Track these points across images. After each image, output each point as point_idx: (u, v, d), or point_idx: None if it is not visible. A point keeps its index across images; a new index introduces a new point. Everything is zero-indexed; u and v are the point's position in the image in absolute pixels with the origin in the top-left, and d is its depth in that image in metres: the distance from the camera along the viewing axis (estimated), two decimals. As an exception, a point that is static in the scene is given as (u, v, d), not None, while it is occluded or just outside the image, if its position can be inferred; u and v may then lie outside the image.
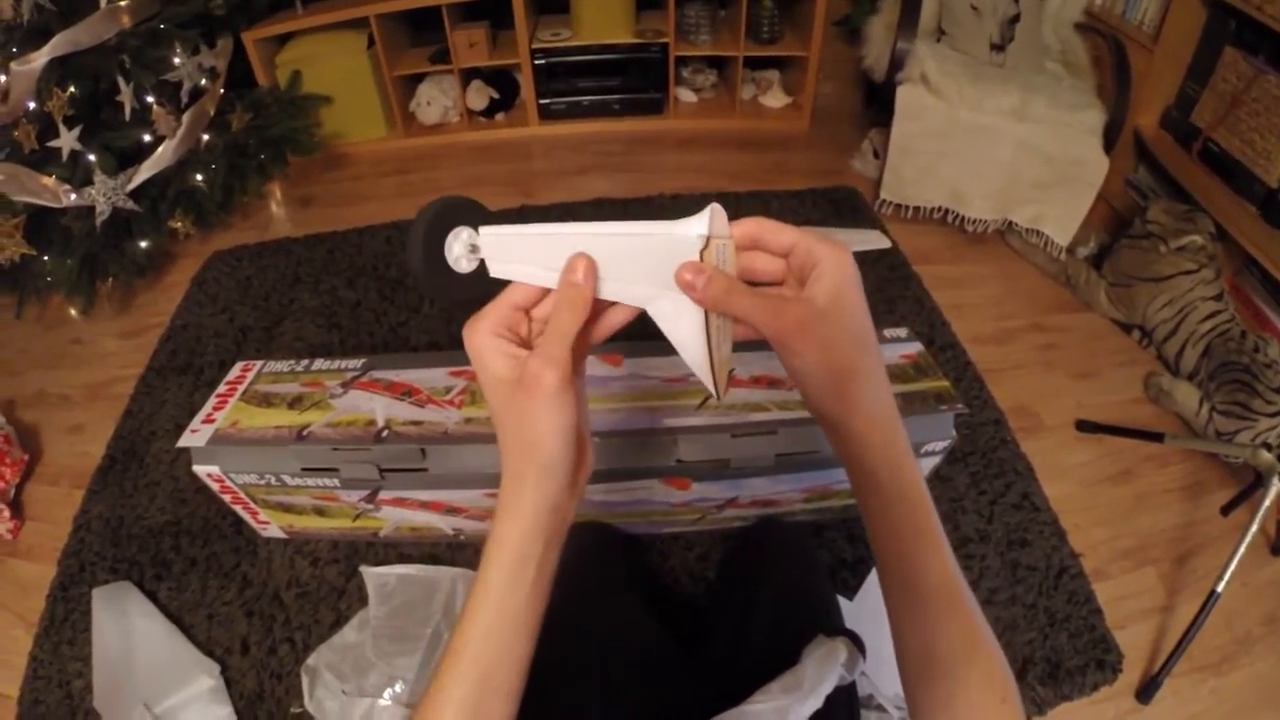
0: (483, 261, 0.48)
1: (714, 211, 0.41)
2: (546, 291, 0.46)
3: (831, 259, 0.42)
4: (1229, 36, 1.86)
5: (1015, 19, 2.04)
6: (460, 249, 0.47)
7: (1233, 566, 1.23)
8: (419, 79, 2.62)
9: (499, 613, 0.44)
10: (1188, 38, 1.97)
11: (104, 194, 1.73)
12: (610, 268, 0.44)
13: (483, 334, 0.44)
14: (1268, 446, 1.37)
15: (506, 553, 0.44)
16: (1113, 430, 1.59)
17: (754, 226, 0.45)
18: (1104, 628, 1.27)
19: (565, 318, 0.43)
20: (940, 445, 1.17)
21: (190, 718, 1.15)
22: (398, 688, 1.15)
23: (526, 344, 0.46)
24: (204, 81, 1.95)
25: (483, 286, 0.48)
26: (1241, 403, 1.51)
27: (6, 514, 1.46)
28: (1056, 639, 1.25)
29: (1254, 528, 1.25)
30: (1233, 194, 1.85)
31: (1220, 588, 1.23)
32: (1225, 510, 1.48)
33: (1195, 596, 1.28)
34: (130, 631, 1.25)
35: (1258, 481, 1.36)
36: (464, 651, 0.44)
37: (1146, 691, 1.23)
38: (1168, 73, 2.03)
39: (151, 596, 1.32)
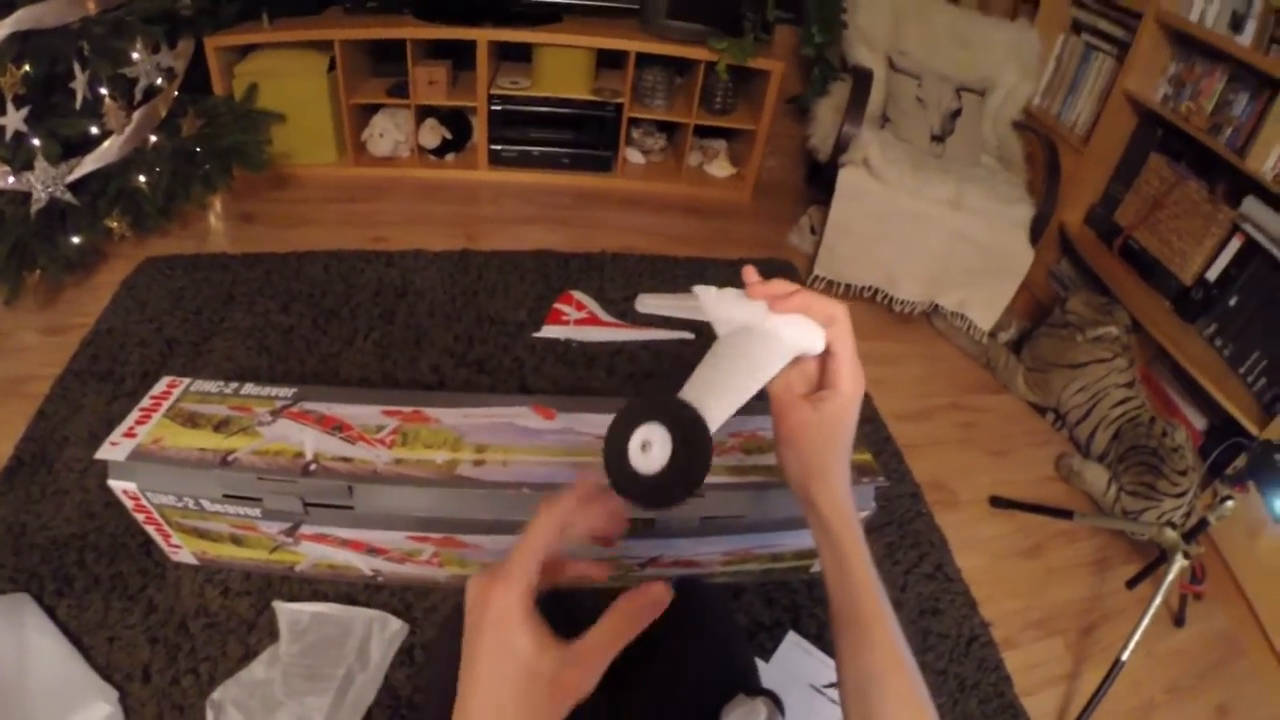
0: (670, 457, 0.40)
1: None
2: (557, 541, 0.43)
3: (848, 387, 0.53)
4: (1155, 143, 2.00)
5: (957, 113, 2.16)
6: (637, 448, 0.41)
7: (1137, 636, 1.30)
8: (374, 109, 2.61)
9: None
10: (1116, 142, 2.12)
11: (43, 181, 1.67)
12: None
13: (513, 603, 0.40)
14: (1172, 525, 1.45)
15: None
16: (1025, 507, 1.66)
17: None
18: (1012, 694, 1.32)
19: (623, 633, 0.41)
20: (860, 515, 1.21)
21: None
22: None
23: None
24: (160, 81, 1.91)
25: (673, 485, 0.41)
26: (1148, 484, 1.60)
27: (-102, 513, 1.37)
28: (966, 704, 1.29)
29: (1157, 600, 1.32)
30: (1149, 289, 1.97)
31: (1125, 656, 1.29)
32: (1130, 584, 1.56)
33: (1101, 665, 1.34)
34: (25, 648, 1.16)
35: (1161, 558, 1.45)
36: None
37: (1053, 757, 1.28)
38: (1095, 173, 2.18)
39: (50, 612, 1.24)
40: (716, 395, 0.45)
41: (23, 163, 1.64)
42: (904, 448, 1.78)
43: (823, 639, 1.34)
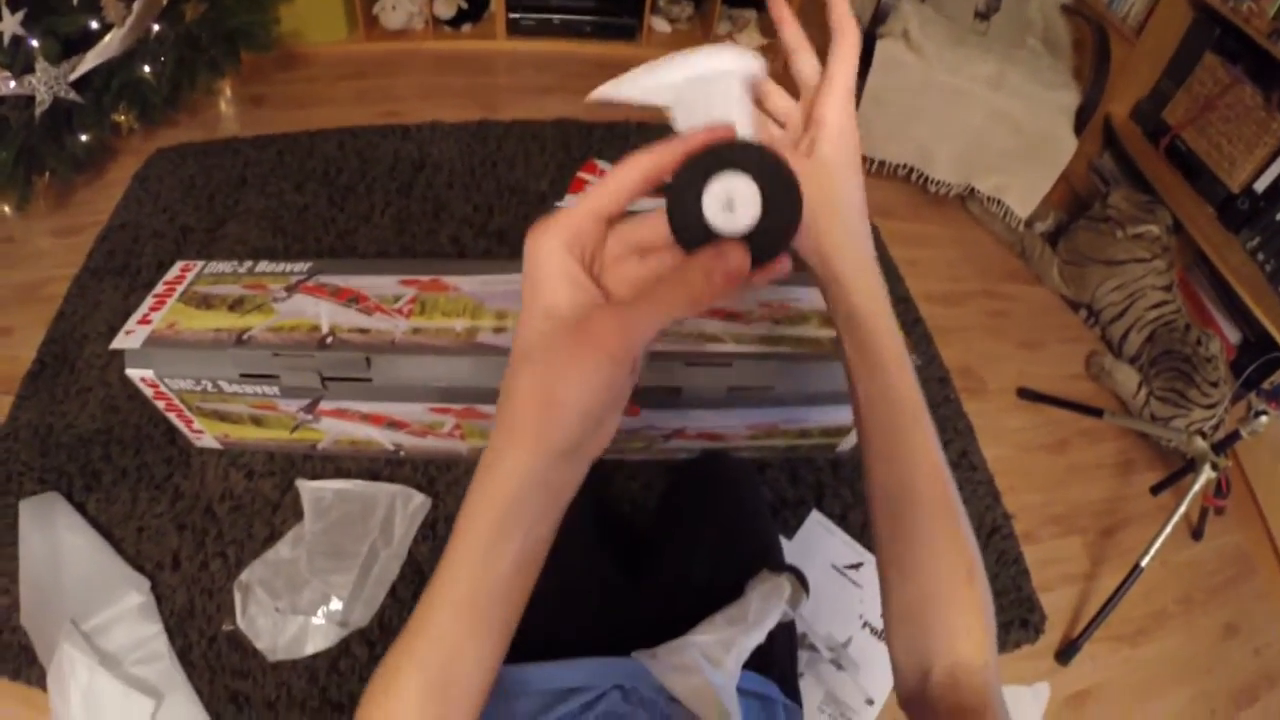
0: (760, 218, 0.35)
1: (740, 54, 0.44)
2: (633, 199, 0.36)
3: (834, 117, 0.45)
4: (1211, 42, 1.87)
5: (1001, -12, 2.03)
6: (716, 204, 0.35)
7: (1157, 545, 1.28)
8: (385, -20, 2.49)
9: (472, 590, 0.36)
10: (1171, 36, 1.98)
11: (45, 82, 1.62)
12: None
13: (553, 247, 0.34)
14: (1202, 434, 1.42)
15: (476, 531, 0.36)
16: (1053, 401, 1.63)
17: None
18: (1030, 588, 1.32)
19: (679, 304, 0.33)
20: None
21: (119, 634, 1.12)
22: (332, 605, 1.14)
23: (592, 270, 0.36)
24: (159, -32, 1.83)
25: (768, 246, 0.35)
26: (1179, 390, 1.56)
27: (-73, 417, 1.39)
28: (983, 595, 1.29)
29: (1180, 510, 1.30)
30: (1193, 193, 1.87)
31: (1144, 563, 1.28)
32: (1155, 490, 1.54)
33: (1118, 569, 1.34)
34: (58, 546, 1.20)
35: (1188, 467, 1.41)
36: (428, 630, 0.37)
37: (1066, 654, 1.28)
38: (1146, 66, 2.04)
39: (80, 508, 1.27)
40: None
41: (23, 66, 1.59)
42: (934, 330, 1.74)
43: (847, 519, 1.34)
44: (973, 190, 2.06)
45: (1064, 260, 1.91)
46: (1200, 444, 1.37)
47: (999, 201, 2.03)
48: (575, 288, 0.34)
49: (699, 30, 2.75)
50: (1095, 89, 1.91)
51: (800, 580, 0.81)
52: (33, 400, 1.43)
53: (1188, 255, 1.88)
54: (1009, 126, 1.91)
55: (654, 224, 0.36)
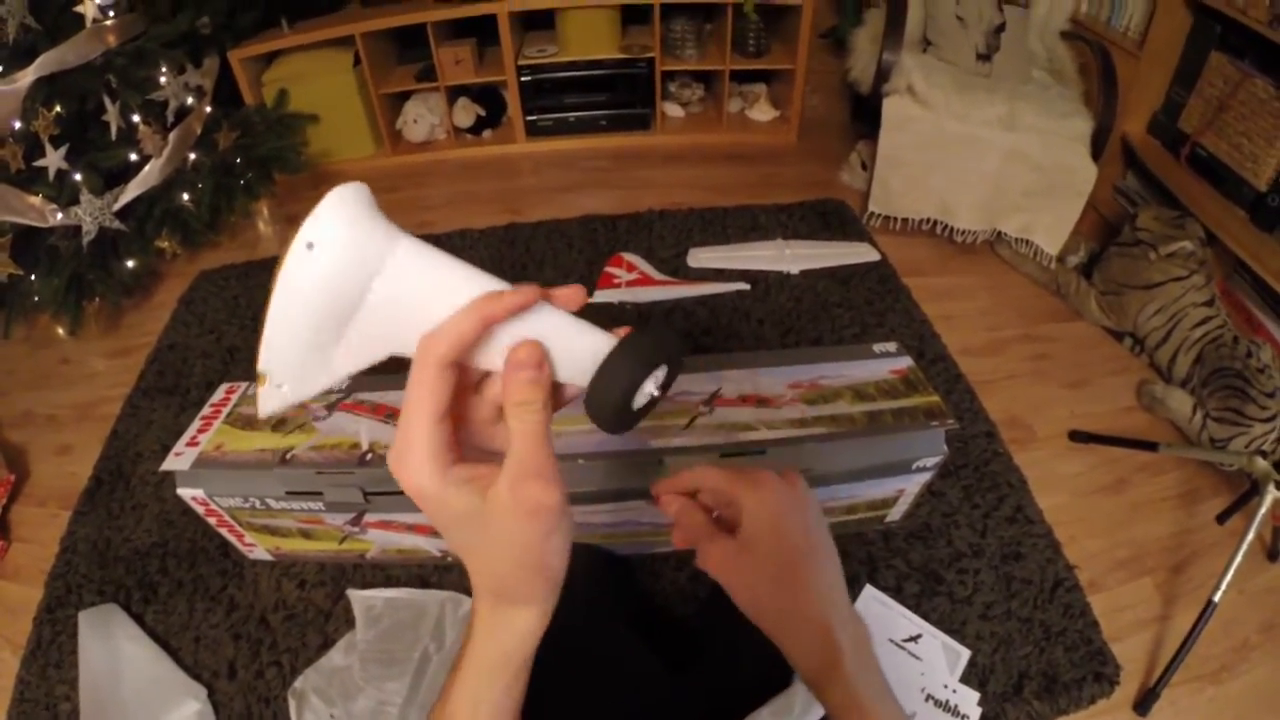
0: (662, 388, 0.41)
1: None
2: (448, 394, 0.36)
3: (752, 499, 0.51)
4: (1214, 41, 1.86)
5: (1000, 28, 2.04)
6: (642, 395, 0.40)
7: (1229, 575, 1.22)
8: (406, 96, 2.62)
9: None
10: (1173, 43, 1.97)
11: (90, 213, 1.73)
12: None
13: (428, 475, 0.36)
14: (1262, 454, 1.36)
15: (495, 681, 0.40)
16: (1106, 440, 1.58)
17: (688, 480, 0.56)
18: (1100, 640, 1.26)
19: (535, 419, 0.36)
20: (932, 461, 1.16)
21: None
22: (387, 712, 1.14)
23: (456, 447, 0.38)
24: (190, 100, 1.95)
25: (638, 418, 0.41)
26: (1235, 409, 1.50)
27: (-8, 536, 1.45)
28: (1053, 652, 1.23)
29: (1250, 535, 1.23)
30: (1221, 198, 1.84)
31: (1217, 597, 1.21)
32: (1221, 518, 1.47)
33: (1192, 605, 1.27)
34: (117, 654, 1.23)
35: (1253, 489, 1.35)
36: None
37: (1144, 703, 1.21)
38: (1154, 79, 2.03)
39: (138, 619, 1.30)
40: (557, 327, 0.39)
41: (69, 198, 1.70)
42: (975, 385, 1.70)
43: (902, 591, 1.30)
44: (1000, 234, 2.05)
45: (1101, 291, 1.87)
46: (1261, 464, 1.31)
47: (1027, 241, 2.02)
48: (467, 487, 0.36)
49: (711, 110, 2.82)
50: (1107, 110, 1.91)
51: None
52: (90, 515, 1.49)
53: (1226, 264, 1.84)
54: (1027, 164, 1.90)
55: (499, 382, 0.38)
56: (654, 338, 0.38)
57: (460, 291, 0.35)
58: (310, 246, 0.32)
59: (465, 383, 0.38)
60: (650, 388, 0.39)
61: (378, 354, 0.36)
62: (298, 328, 0.34)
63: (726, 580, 0.51)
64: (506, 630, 0.40)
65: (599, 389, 0.37)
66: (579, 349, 0.38)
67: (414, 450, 0.36)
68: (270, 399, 0.36)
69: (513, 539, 0.37)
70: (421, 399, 0.36)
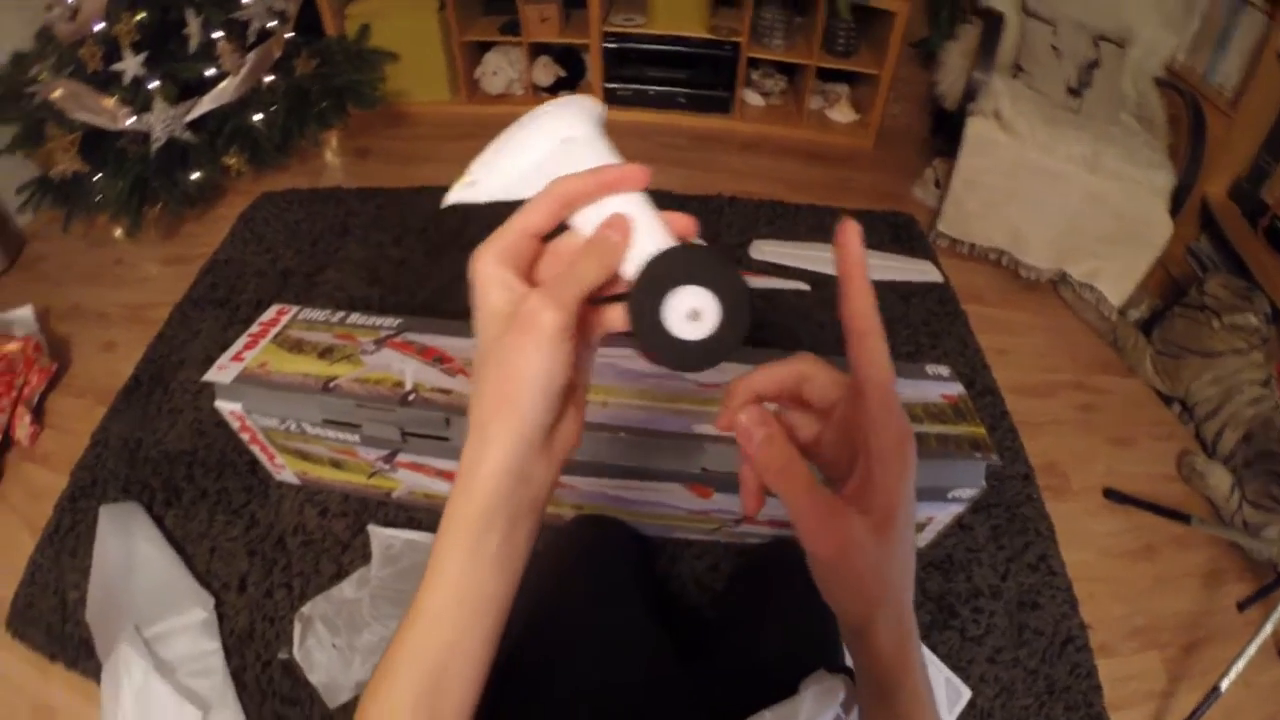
0: (719, 326, 0.38)
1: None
2: (562, 224, 0.40)
3: (894, 457, 0.36)
4: (1312, 112, 1.81)
5: (1094, 64, 1.99)
6: (680, 316, 0.38)
7: (1240, 664, 1.19)
8: (487, 47, 2.62)
9: (461, 587, 0.38)
10: (1268, 108, 1.90)
11: (162, 122, 1.75)
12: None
13: (487, 261, 0.38)
14: None
15: (461, 526, 0.38)
16: (1141, 504, 1.54)
17: (803, 367, 0.41)
18: (1101, 705, 1.24)
19: (590, 267, 0.38)
20: (968, 493, 1.15)
21: (179, 645, 1.16)
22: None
23: (530, 280, 0.40)
24: (272, 23, 1.95)
25: (720, 351, 0.39)
26: (1274, 496, 1.46)
27: (28, 419, 1.48)
28: (1053, 708, 1.22)
29: (1267, 628, 1.21)
30: (1295, 278, 1.79)
31: (1224, 684, 1.19)
32: (1241, 605, 1.42)
33: (1197, 688, 1.24)
34: (132, 552, 1.26)
35: (1277, 581, 1.32)
36: (421, 621, 0.39)
37: (1136, 778, 1.20)
38: (1244, 142, 1.96)
39: (158, 521, 1.33)
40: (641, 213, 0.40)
41: (142, 104, 1.72)
42: (1019, 424, 1.67)
43: (916, 619, 1.29)
44: (1065, 275, 2.01)
45: (1158, 351, 1.83)
46: None
47: (1092, 287, 1.97)
48: (510, 291, 0.38)
49: (791, 103, 2.78)
50: (1191, 168, 1.85)
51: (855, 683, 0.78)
52: (125, 414, 1.52)
53: (1289, 346, 1.78)
54: (1105, 210, 1.86)
55: (575, 240, 0.41)
56: (692, 254, 0.38)
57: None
58: (565, 140, 0.42)
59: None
60: (686, 305, 0.38)
61: (531, 191, 0.42)
62: (514, 156, 0.43)
63: (841, 565, 0.37)
64: (461, 478, 0.38)
65: (631, 290, 0.39)
66: (641, 249, 0.40)
67: (494, 241, 0.39)
68: (458, 191, 0.44)
69: (502, 354, 0.37)
70: (526, 210, 0.39)
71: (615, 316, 0.41)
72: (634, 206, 0.40)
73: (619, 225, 0.39)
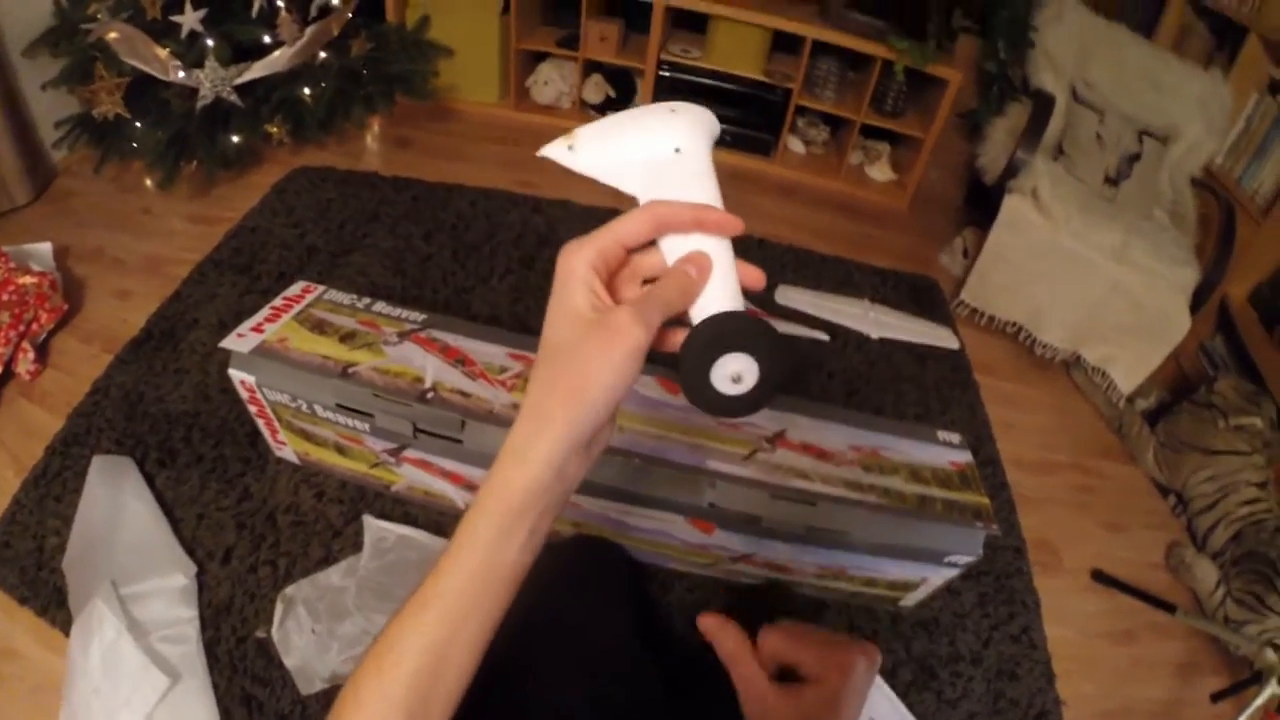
0: (755, 388, 0.43)
1: None
2: (652, 241, 0.44)
3: (840, 667, 0.51)
4: (1340, 226, 1.83)
5: (1135, 158, 2.02)
6: (724, 375, 0.42)
7: None
8: (541, 57, 2.63)
9: (483, 567, 0.41)
10: None
11: (212, 80, 1.75)
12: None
13: (580, 261, 0.41)
14: (1275, 646, 1.34)
15: (504, 503, 0.40)
16: (1127, 589, 1.56)
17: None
18: (1068, 782, 1.25)
19: (673, 297, 0.41)
20: (964, 559, 1.15)
21: (155, 608, 1.13)
22: (370, 643, 1.14)
23: (611, 288, 0.43)
24: (335, 1, 1.97)
25: (749, 408, 0.44)
26: (1258, 595, 1.48)
27: (31, 355, 1.46)
28: (1018, 781, 1.22)
29: None
30: (1303, 388, 1.80)
31: None
32: (1215, 697, 1.43)
33: (1166, 776, 1.25)
34: (119, 507, 1.24)
35: (1255, 678, 1.34)
36: (435, 600, 0.41)
37: None
38: (1270, 248, 2.00)
39: (149, 480, 1.31)
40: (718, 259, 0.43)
41: (194, 60, 1.73)
42: (1018, 497, 1.69)
43: (895, 676, 1.28)
44: (1079, 358, 2.03)
45: (1160, 442, 1.85)
46: (1270, 656, 1.30)
47: (1104, 373, 1.99)
48: (594, 296, 0.41)
49: (833, 155, 2.81)
50: (1217, 268, 1.88)
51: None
52: (131, 365, 1.50)
53: (1291, 454, 1.79)
54: (1127, 301, 1.88)
55: (656, 260, 0.44)
56: (746, 324, 0.41)
57: (705, 197, 0.44)
58: (678, 150, 0.44)
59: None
60: (731, 369, 0.41)
61: (628, 187, 0.45)
62: (624, 143, 0.45)
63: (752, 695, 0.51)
64: (511, 456, 0.40)
65: (687, 341, 0.42)
66: (711, 298, 0.42)
67: (587, 243, 0.41)
68: (556, 148, 0.45)
69: (585, 354, 0.39)
70: (623, 223, 0.42)
71: (673, 341, 0.44)
72: (718, 248, 0.43)
73: (702, 265, 0.42)
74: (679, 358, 0.42)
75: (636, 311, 0.39)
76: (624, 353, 0.39)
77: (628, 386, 0.40)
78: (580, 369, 0.39)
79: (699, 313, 0.42)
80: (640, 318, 0.39)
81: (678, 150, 0.44)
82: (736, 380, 0.42)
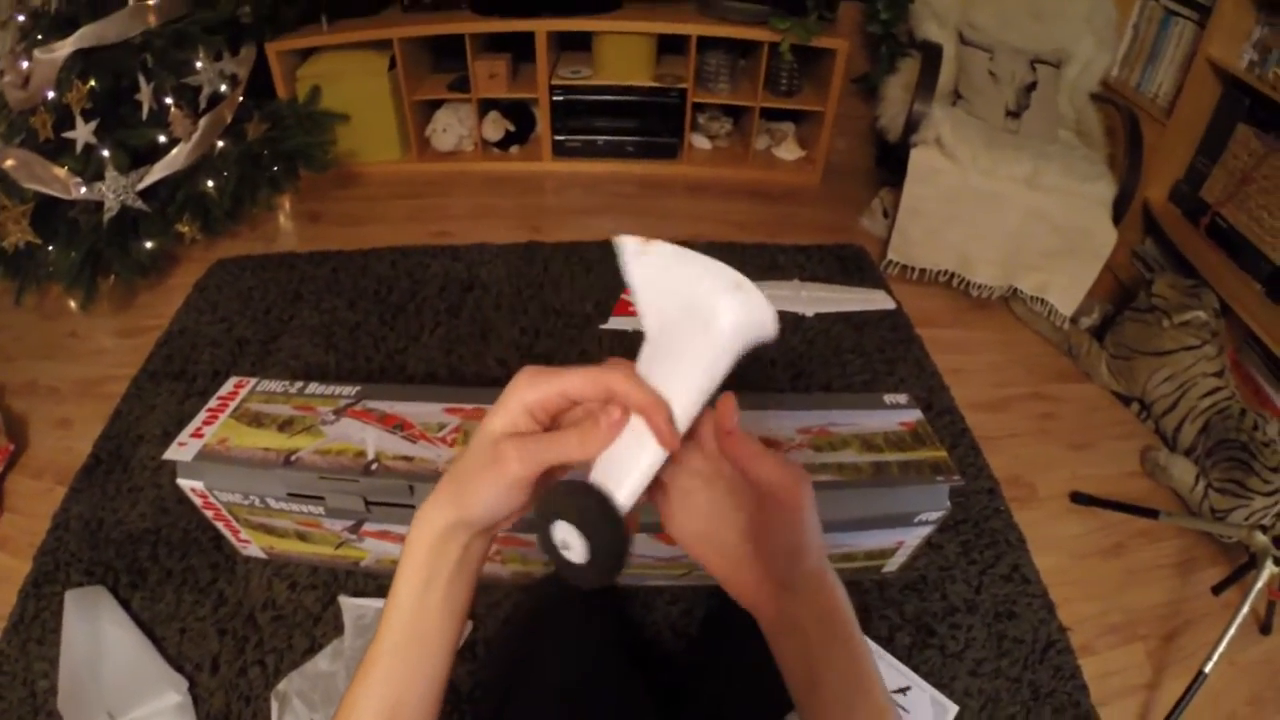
0: (586, 564, 0.43)
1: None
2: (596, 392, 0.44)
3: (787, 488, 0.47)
4: (1242, 113, 1.88)
5: (1032, 86, 2.06)
6: (560, 540, 0.43)
7: (1222, 646, 1.22)
8: (437, 105, 2.64)
9: (409, 630, 0.45)
10: (1201, 113, 1.99)
11: (114, 190, 1.74)
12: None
13: (521, 394, 0.43)
14: (1263, 528, 1.36)
15: (412, 567, 0.44)
16: (1107, 504, 1.58)
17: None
18: (1089, 704, 1.25)
19: (571, 445, 0.43)
20: (934, 515, 1.16)
21: None
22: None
23: (555, 418, 0.45)
24: (224, 88, 1.96)
25: (585, 580, 0.44)
26: (1238, 480, 1.51)
27: (-13, 504, 1.44)
28: (1040, 713, 1.23)
29: (1245, 608, 1.23)
30: (1238, 270, 1.86)
31: (1208, 668, 1.21)
32: (1216, 589, 1.46)
33: (1182, 675, 1.27)
34: (100, 638, 1.22)
35: (1250, 562, 1.35)
36: (374, 669, 0.44)
37: (1129, 771, 1.21)
38: (1179, 147, 2.05)
39: (125, 604, 1.29)
40: (642, 445, 0.43)
41: (94, 173, 1.71)
42: (980, 440, 1.70)
43: (893, 642, 1.29)
44: (1015, 291, 2.06)
45: (1112, 355, 1.88)
46: (1261, 539, 1.31)
47: (1042, 300, 2.02)
48: (511, 425, 0.43)
49: (738, 145, 2.84)
50: (1131, 175, 1.92)
51: None
52: (86, 494, 1.48)
53: (1238, 336, 1.85)
54: (1047, 224, 1.91)
55: (591, 408, 0.44)
56: (576, 497, 0.42)
57: (683, 391, 0.43)
58: (722, 325, 0.42)
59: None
60: (560, 536, 0.42)
61: (646, 319, 0.45)
62: (687, 270, 0.43)
63: (809, 505, 0.47)
64: (414, 524, 0.45)
65: (535, 507, 0.44)
66: (609, 461, 0.43)
67: (537, 383, 0.43)
68: (632, 240, 0.44)
69: (477, 466, 0.43)
70: (575, 378, 0.43)
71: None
72: (643, 426, 0.43)
73: (614, 425, 0.43)
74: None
75: (524, 448, 0.42)
76: (497, 479, 0.42)
77: (510, 509, 0.44)
78: (470, 480, 0.43)
79: (595, 469, 0.43)
80: (526, 455, 0.42)
81: (708, 324, 0.42)
82: (565, 548, 0.43)
